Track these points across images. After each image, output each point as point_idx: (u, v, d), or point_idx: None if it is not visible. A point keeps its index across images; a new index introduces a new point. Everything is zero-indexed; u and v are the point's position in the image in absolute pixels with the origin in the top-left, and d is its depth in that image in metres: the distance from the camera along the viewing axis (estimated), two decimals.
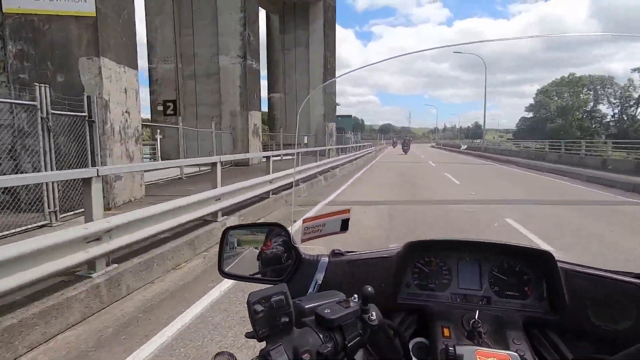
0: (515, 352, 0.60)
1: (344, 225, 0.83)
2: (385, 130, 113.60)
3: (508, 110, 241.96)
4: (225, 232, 0.86)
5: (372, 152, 26.89)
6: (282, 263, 0.84)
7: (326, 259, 0.84)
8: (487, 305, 0.78)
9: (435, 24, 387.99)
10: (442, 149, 41.99)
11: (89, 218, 2.85)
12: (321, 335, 0.47)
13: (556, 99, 46.21)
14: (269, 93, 22.12)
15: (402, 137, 36.29)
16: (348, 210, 0.82)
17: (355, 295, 0.52)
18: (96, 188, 2.88)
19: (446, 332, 0.69)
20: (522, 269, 0.80)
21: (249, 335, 0.48)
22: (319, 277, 0.81)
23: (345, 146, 19.66)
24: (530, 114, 51.51)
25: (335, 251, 0.87)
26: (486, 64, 26.34)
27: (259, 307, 0.47)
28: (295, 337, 0.47)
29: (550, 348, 0.71)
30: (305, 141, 15.42)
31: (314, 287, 0.79)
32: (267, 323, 0.47)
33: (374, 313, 0.51)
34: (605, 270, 0.76)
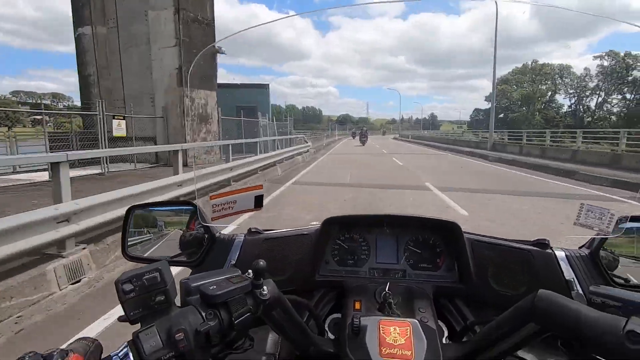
0: (420, 319, 0.63)
1: (258, 202, 0.82)
2: (343, 121, 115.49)
3: (460, 103, 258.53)
4: (129, 211, 0.83)
5: (305, 151, 15.26)
6: (204, 245, 0.82)
7: (242, 238, 0.84)
8: (402, 278, 0.83)
9: (392, 17, 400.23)
10: (408, 142, 36.33)
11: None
12: (204, 314, 0.46)
13: (515, 87, 47.03)
14: (75, 27, 11.51)
15: (360, 128, 35.44)
16: (261, 186, 0.82)
17: (250, 271, 0.52)
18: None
19: (357, 305, 0.71)
20: (434, 242, 0.85)
21: (121, 319, 0.45)
22: (233, 256, 0.80)
23: (239, 142, 10.79)
24: (489, 104, 52.24)
25: (252, 229, 0.86)
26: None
27: (128, 287, 0.45)
28: (172, 317, 0.45)
29: (457, 315, 0.77)
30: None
31: (227, 267, 0.78)
32: (140, 304, 0.45)
33: (265, 288, 0.50)
34: (507, 240, 0.83)
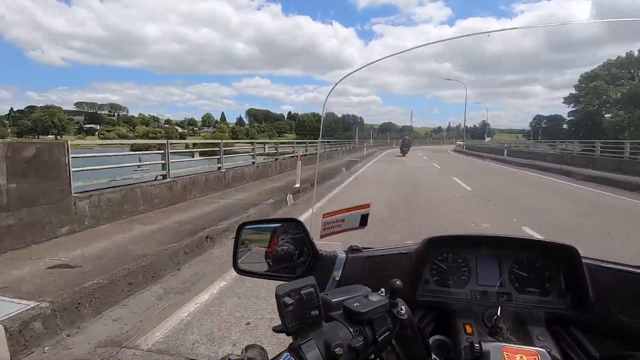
0: (542, 348, 0.62)
1: (363, 221, 0.86)
2: (386, 129, 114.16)
3: (510, 112, 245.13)
4: (240, 228, 0.90)
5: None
6: (294, 260, 0.86)
7: (344, 255, 0.87)
8: (508, 302, 0.81)
9: (437, 23, 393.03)
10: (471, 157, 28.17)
11: None
12: (351, 330, 0.49)
13: (609, 85, 37.34)
14: None
15: (402, 137, 31.93)
16: (368, 205, 0.86)
17: (382, 289, 0.54)
18: None
19: (468, 328, 0.71)
20: (543, 265, 0.83)
21: (277, 329, 0.49)
22: (337, 273, 0.84)
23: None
24: (570, 107, 43.40)
25: (353, 247, 0.90)
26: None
27: (288, 300, 0.48)
28: (325, 331, 0.48)
29: (575, 345, 0.74)
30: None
31: (332, 284, 0.82)
32: (297, 317, 0.48)
33: (403, 307, 0.52)
34: (630, 266, 0.79)
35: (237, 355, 0.43)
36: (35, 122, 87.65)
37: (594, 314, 0.75)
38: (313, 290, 0.49)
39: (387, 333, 0.51)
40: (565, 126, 43.74)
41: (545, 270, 0.83)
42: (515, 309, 0.78)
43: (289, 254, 0.88)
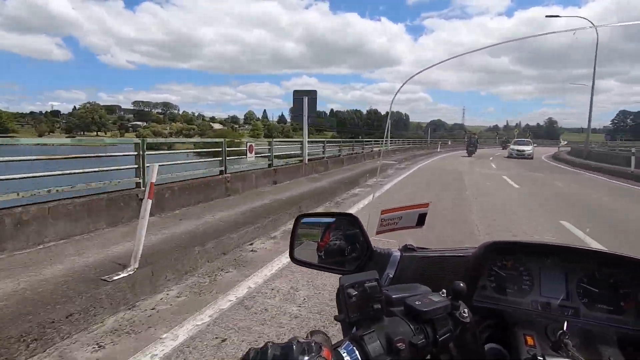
0: None
1: (421, 220, 0.89)
2: (435, 127, 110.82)
3: (578, 108, 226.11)
4: (297, 219, 0.97)
5: None
6: (345, 255, 0.91)
7: (398, 254, 0.91)
8: (575, 317, 0.80)
9: (494, 14, 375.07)
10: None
11: None
12: (412, 327, 0.51)
13: None
14: None
15: (469, 137, 28.99)
16: (427, 204, 0.89)
17: (444, 290, 0.56)
18: None
19: (530, 340, 0.71)
20: (617, 281, 0.81)
21: (338, 318, 0.53)
22: (391, 271, 0.88)
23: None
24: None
25: (408, 246, 0.93)
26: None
27: (352, 292, 0.51)
28: (386, 324, 0.51)
29: None
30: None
31: (386, 282, 0.86)
32: (359, 308, 0.51)
33: (465, 310, 0.54)
34: None
35: (304, 339, 0.46)
36: (79, 119, 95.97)
37: None
38: (376, 284, 0.53)
39: (448, 334, 0.53)
40: None
41: (620, 287, 0.81)
42: (583, 326, 0.76)
43: (342, 249, 0.93)
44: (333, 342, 0.49)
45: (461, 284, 0.54)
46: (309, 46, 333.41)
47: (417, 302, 0.53)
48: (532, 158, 24.54)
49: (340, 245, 0.93)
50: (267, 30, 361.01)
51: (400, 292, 0.56)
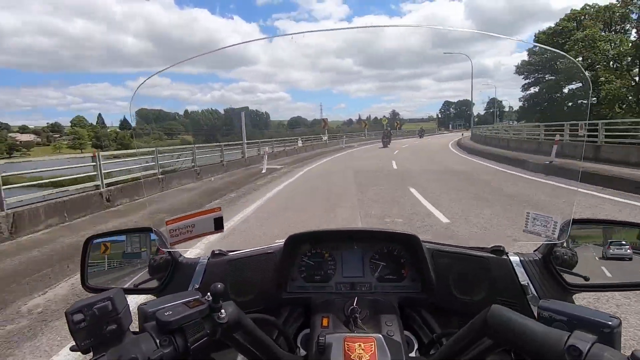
0: (386, 333, 0.74)
1: (218, 224, 0.92)
2: (295, 124, 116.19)
3: (407, 103, 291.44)
4: (87, 242, 0.90)
5: None
6: (154, 272, 0.91)
7: (204, 261, 0.93)
8: (368, 291, 0.95)
9: (337, 20, 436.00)
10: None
11: None
12: (158, 340, 0.51)
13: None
14: None
15: (385, 131, 31.57)
16: (219, 209, 0.92)
17: (208, 294, 0.58)
18: None
19: (325, 322, 0.81)
20: (399, 253, 0.99)
21: (73, 349, 0.51)
22: (197, 280, 0.89)
23: None
24: (525, 78, 31.58)
25: (216, 252, 0.96)
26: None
27: (78, 317, 0.50)
28: (124, 345, 0.51)
29: (424, 325, 0.90)
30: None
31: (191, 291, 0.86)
32: (92, 333, 0.50)
33: (224, 311, 0.56)
34: (466, 248, 0.99)
35: None
36: None
37: (438, 295, 0.91)
38: (109, 303, 0.52)
39: (205, 339, 0.55)
40: (520, 104, 35.02)
41: (400, 258, 0.98)
42: (373, 298, 0.90)
43: (149, 265, 0.92)
44: None
45: (219, 285, 0.56)
46: (154, 42, 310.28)
47: (167, 313, 0.53)
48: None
49: (161, 261, 0.91)
50: (95, 21, 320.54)
51: (160, 305, 0.56)
